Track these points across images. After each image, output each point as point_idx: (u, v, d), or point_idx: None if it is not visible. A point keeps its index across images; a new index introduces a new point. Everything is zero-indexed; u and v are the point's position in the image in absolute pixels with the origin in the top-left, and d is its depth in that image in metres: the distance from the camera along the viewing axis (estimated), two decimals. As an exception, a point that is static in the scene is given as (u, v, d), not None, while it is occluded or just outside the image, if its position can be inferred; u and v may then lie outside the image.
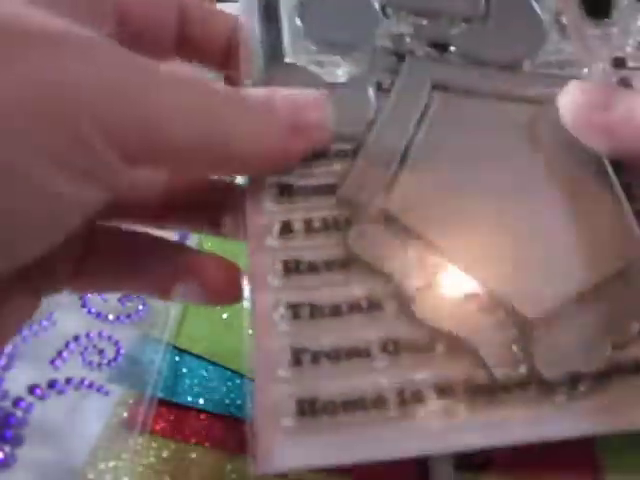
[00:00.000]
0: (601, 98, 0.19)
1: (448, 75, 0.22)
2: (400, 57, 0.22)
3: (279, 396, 0.17)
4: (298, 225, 0.19)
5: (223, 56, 0.22)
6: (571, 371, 0.18)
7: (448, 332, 0.18)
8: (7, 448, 0.25)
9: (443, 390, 0.17)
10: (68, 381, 0.27)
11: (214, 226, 0.22)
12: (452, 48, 0.23)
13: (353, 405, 0.17)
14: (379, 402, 0.17)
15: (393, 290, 0.18)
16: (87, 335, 0.29)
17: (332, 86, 0.21)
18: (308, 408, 0.17)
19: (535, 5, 0.24)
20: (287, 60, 0.22)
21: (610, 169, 0.21)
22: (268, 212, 0.19)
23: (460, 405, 0.17)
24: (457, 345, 0.18)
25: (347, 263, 0.19)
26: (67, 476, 0.24)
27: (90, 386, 0.27)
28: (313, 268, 0.19)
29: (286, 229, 0.19)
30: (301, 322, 0.18)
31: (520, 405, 0.17)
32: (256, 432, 0.16)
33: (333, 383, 0.17)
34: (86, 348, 0.28)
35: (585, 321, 0.18)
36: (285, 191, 0.20)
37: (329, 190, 0.20)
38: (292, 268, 0.19)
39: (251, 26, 0.22)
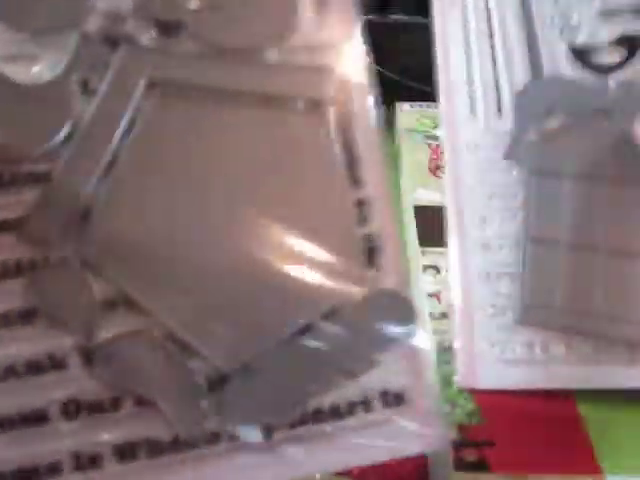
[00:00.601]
0: None
1: (170, 70, 0.19)
2: (115, 45, 0.19)
3: None
4: (-26, 271, 0.17)
5: None
6: (265, 423, 0.17)
7: (132, 390, 0.17)
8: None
9: (124, 452, 0.17)
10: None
11: None
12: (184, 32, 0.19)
13: (26, 476, 0.16)
14: (54, 470, 0.16)
15: (77, 345, 0.17)
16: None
17: (23, 90, 0.18)
18: (-26, 483, 0.16)
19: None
20: (-29, 56, 0.18)
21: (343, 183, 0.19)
22: (-58, 256, 0.17)
23: (142, 467, 0.17)
24: (143, 403, 0.17)
25: (28, 315, 0.17)
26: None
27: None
28: (-11, 323, 0.17)
29: (-41, 277, 0.17)
30: (-29, 388, 0.17)
31: (210, 460, 0.17)
32: None
33: (4, 453, 0.16)
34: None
35: (284, 372, 0.17)
36: (-39, 230, 0.17)
37: (14, 226, 0.17)
38: (-36, 324, 0.17)
39: None
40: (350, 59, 0.20)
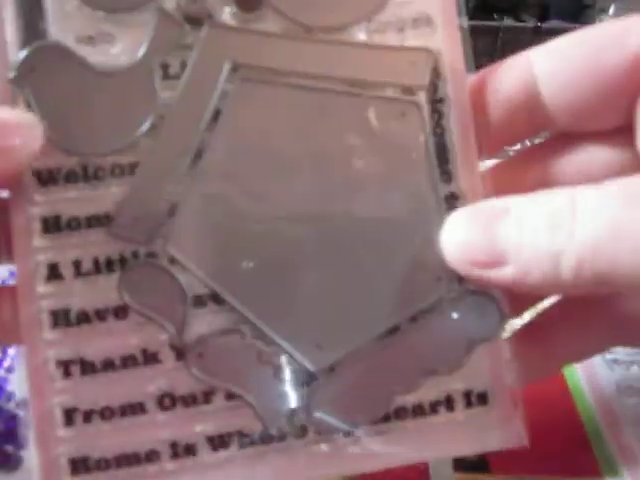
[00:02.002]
0: (487, 249, 0.16)
1: (254, 51, 0.18)
2: (195, 23, 0.18)
3: (55, 456, 0.17)
4: (67, 267, 0.17)
5: None
6: (350, 420, 0.18)
7: (223, 386, 0.17)
8: (12, 449, 0.24)
9: (217, 443, 0.17)
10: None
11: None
12: (265, 8, 0.18)
13: (127, 460, 0.17)
14: (153, 456, 0.17)
15: (170, 340, 0.17)
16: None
17: (104, 76, 0.17)
18: (81, 466, 0.17)
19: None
20: (51, 39, 0.17)
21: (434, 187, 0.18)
22: (35, 251, 0.17)
23: (234, 456, 0.18)
24: (234, 397, 0.17)
25: (121, 311, 0.17)
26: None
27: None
28: (84, 318, 0.17)
29: (54, 273, 0.17)
30: (72, 379, 0.17)
31: (298, 451, 0.18)
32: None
33: (106, 440, 0.17)
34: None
35: (369, 372, 0.18)
36: (52, 224, 0.17)
37: (103, 221, 0.17)
38: (61, 319, 0.17)
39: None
40: (446, 35, 0.18)
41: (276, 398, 0.17)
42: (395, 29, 0.18)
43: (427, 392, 0.18)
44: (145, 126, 0.17)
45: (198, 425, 0.17)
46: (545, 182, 0.18)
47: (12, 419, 0.25)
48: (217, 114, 0.18)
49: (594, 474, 0.23)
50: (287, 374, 0.18)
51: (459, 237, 0.17)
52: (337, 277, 0.18)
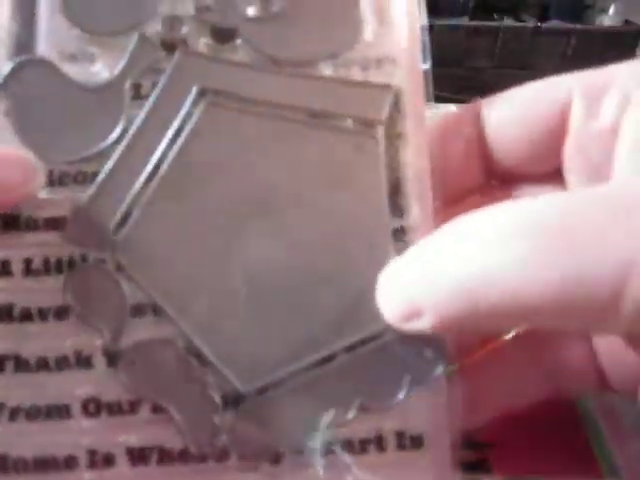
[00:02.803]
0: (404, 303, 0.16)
1: (221, 79, 0.19)
2: (171, 49, 0.19)
3: None
4: (17, 264, 0.18)
5: None
6: (274, 448, 0.17)
7: (150, 397, 0.17)
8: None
9: (137, 456, 0.17)
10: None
11: None
12: (239, 40, 0.19)
13: (44, 464, 0.17)
14: (71, 463, 0.17)
15: (104, 346, 0.17)
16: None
17: (78, 89, 0.19)
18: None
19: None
20: (39, 54, 0.19)
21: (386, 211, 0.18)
22: (-9, 247, 0.18)
23: (152, 472, 0.17)
24: (160, 411, 0.17)
25: (63, 312, 0.18)
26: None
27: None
28: (26, 316, 0.18)
29: (5, 269, 0.18)
30: (5, 376, 0.17)
31: (218, 476, 0.17)
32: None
33: (28, 441, 0.17)
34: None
35: (299, 400, 0.17)
36: (10, 223, 0.18)
37: (60, 224, 0.18)
38: (4, 314, 0.18)
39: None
40: (409, 76, 0.19)
41: (201, 417, 0.17)
42: (360, 67, 0.19)
43: (358, 428, 0.17)
44: (111, 138, 0.18)
45: (120, 435, 0.17)
46: None
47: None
48: (179, 135, 0.19)
49: (594, 474, 0.22)
50: (215, 393, 0.17)
51: (385, 296, 0.17)
52: (277, 301, 0.18)
